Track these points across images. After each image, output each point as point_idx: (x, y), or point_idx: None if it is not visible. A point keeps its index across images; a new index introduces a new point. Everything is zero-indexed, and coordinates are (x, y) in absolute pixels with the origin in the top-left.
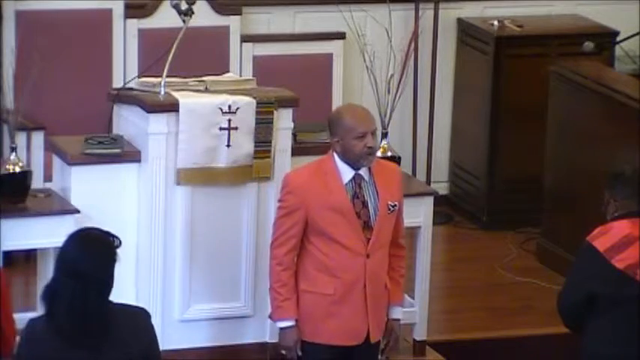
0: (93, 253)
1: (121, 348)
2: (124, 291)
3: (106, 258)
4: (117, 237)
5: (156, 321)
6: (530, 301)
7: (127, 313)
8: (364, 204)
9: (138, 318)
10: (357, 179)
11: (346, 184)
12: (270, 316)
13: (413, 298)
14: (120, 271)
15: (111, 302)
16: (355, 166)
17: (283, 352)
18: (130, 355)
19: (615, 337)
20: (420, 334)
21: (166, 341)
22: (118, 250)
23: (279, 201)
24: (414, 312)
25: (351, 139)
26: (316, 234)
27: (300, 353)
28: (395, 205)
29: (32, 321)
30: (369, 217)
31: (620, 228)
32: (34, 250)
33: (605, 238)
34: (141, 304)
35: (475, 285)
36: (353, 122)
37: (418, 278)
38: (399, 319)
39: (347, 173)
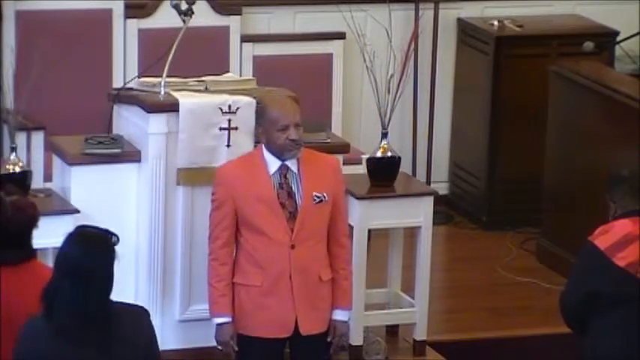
0: (92, 251)
1: (128, 346)
2: (124, 291)
3: (105, 256)
4: (115, 234)
5: (156, 321)
6: (530, 301)
7: (129, 312)
8: (290, 194)
9: (140, 317)
10: (282, 170)
11: (272, 175)
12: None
13: (413, 298)
14: (120, 271)
15: (111, 301)
16: (281, 158)
17: (220, 347)
18: (135, 353)
19: (617, 336)
20: (420, 334)
21: (166, 341)
22: (117, 248)
23: (212, 194)
24: (414, 312)
25: (274, 131)
26: (245, 226)
27: (236, 348)
28: (322, 197)
29: (31, 320)
30: (295, 208)
31: (621, 226)
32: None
33: (606, 236)
34: (141, 304)
35: (475, 285)
36: (276, 114)
37: (418, 278)
38: (344, 321)
39: (273, 164)
